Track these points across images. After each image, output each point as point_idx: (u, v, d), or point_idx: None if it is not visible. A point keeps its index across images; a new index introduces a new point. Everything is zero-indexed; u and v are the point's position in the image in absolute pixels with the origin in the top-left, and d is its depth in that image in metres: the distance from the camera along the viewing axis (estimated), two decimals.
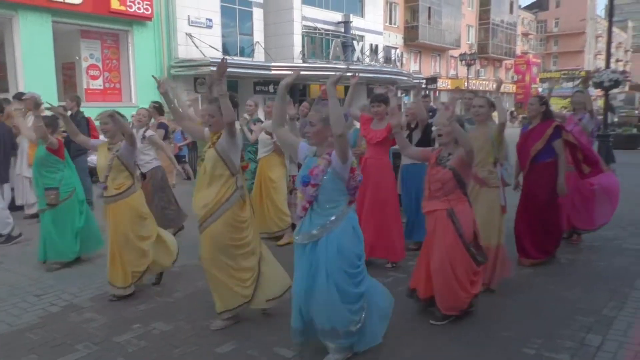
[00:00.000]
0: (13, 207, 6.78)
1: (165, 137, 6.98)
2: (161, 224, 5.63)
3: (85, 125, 7.21)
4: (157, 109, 7.08)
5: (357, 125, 5.34)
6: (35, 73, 12.89)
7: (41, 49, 13.20)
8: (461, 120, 3.46)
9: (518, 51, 45.04)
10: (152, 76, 4.41)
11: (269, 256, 3.56)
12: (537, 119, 4.62)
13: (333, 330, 2.77)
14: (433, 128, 3.44)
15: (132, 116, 6.27)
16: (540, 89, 39.80)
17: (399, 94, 26.25)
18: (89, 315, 3.70)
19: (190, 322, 3.51)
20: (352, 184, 2.77)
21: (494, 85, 4.81)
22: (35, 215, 6.35)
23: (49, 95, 12.25)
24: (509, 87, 42.37)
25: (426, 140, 4.85)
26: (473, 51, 32.79)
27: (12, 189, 7.13)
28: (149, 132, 5.46)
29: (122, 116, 3.97)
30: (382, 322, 3.01)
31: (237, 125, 7.13)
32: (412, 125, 4.85)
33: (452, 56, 34.77)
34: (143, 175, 5.14)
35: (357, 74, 4.73)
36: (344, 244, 2.71)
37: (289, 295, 3.26)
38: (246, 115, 6.31)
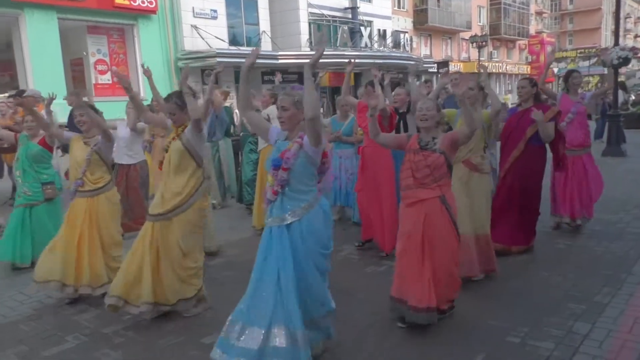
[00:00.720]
0: None
1: None
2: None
3: None
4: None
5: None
6: (43, 70, 13.05)
7: (48, 46, 13.36)
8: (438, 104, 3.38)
9: (532, 31, 43.87)
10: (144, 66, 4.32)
11: None
12: (529, 102, 4.51)
13: (320, 318, 2.74)
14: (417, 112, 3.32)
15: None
16: (555, 69, 38.86)
17: (410, 79, 25.88)
18: (83, 307, 3.77)
19: (178, 313, 3.54)
20: (323, 169, 2.74)
21: (480, 70, 4.57)
22: None
23: (59, 91, 12.26)
24: (523, 68, 41.45)
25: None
26: (484, 33, 32.08)
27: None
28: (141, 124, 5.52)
29: (97, 110, 3.89)
30: None
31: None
32: (402, 111, 4.76)
33: (463, 39, 34.00)
34: (112, 166, 5.12)
35: (352, 60, 4.64)
36: (316, 225, 2.67)
37: None
38: None
